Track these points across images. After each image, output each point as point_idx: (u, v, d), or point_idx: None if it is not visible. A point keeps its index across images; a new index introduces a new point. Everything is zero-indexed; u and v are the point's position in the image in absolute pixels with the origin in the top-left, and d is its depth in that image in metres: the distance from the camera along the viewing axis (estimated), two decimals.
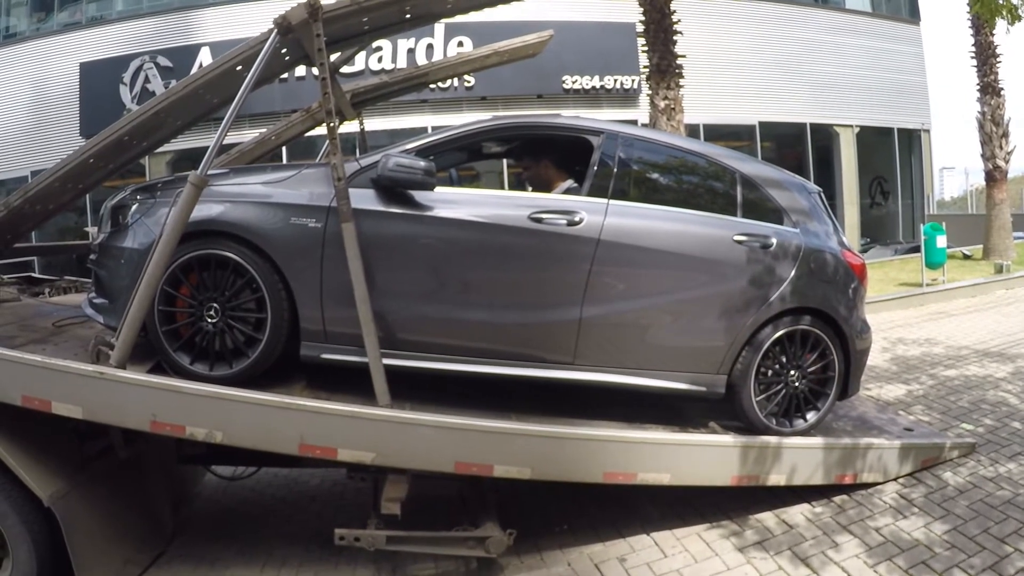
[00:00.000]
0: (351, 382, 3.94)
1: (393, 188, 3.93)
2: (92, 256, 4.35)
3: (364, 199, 3.92)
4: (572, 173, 4.49)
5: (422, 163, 3.84)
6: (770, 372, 4.44)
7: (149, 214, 3.97)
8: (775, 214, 4.55)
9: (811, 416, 4.57)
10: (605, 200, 4.17)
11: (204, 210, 3.81)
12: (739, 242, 4.34)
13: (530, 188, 4.88)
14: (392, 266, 3.96)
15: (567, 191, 4.37)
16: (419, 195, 3.98)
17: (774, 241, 4.41)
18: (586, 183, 4.24)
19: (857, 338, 4.62)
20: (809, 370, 4.52)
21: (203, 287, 3.83)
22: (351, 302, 3.72)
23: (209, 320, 3.80)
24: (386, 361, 3.85)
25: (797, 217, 4.58)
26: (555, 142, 4.59)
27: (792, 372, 4.47)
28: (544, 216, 4.05)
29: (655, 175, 4.58)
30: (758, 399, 4.40)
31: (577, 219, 4.07)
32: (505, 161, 15.65)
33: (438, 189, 4.00)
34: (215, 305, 3.81)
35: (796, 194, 4.67)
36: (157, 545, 4.57)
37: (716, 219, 4.40)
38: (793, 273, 4.40)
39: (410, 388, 4.03)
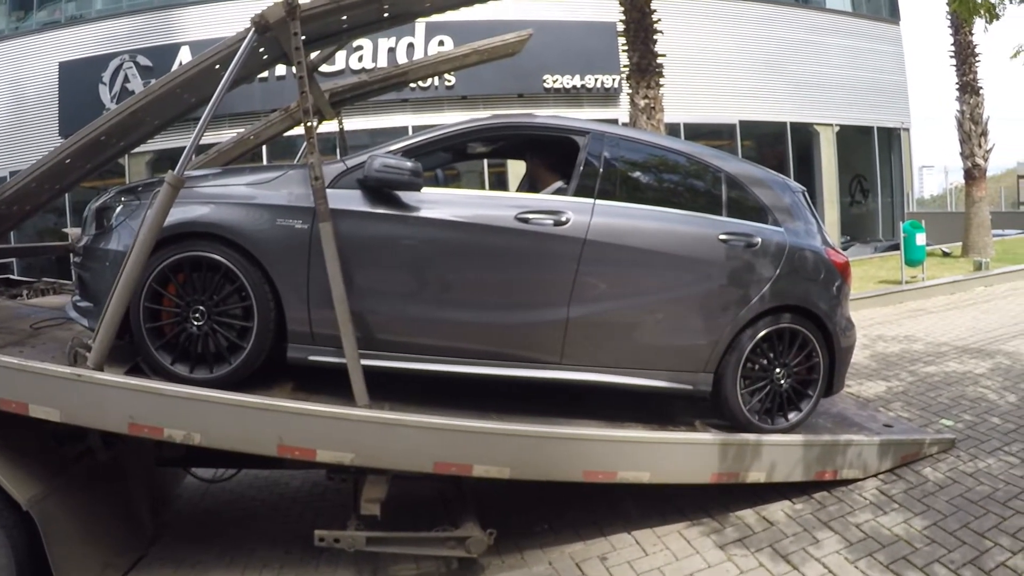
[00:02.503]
0: (332, 383, 3.91)
1: (380, 189, 3.91)
2: (76, 259, 4.30)
3: (351, 200, 3.91)
4: (563, 174, 4.48)
5: (409, 164, 3.83)
6: (756, 368, 4.46)
7: (133, 216, 3.92)
8: (759, 213, 4.57)
9: (796, 414, 4.59)
10: (591, 200, 4.18)
11: (189, 211, 3.79)
12: (724, 241, 4.36)
13: (516, 187, 4.86)
14: (379, 267, 3.95)
15: (557, 191, 4.37)
16: (406, 196, 3.96)
17: (758, 240, 4.43)
18: (572, 183, 4.24)
19: (842, 336, 4.66)
20: (794, 368, 4.54)
21: (189, 288, 3.78)
22: None
23: (194, 322, 3.76)
24: (374, 362, 3.86)
25: (781, 216, 4.60)
26: (543, 142, 4.59)
27: (777, 370, 4.49)
28: (531, 216, 4.05)
29: (641, 175, 4.59)
30: (743, 396, 4.42)
31: (564, 219, 4.07)
32: (486, 161, 15.69)
33: (425, 190, 3.99)
34: (200, 307, 3.77)
35: (780, 193, 4.70)
36: (137, 548, 4.52)
37: (701, 218, 4.41)
38: (777, 271, 4.43)
39: (389, 388, 4.02)
